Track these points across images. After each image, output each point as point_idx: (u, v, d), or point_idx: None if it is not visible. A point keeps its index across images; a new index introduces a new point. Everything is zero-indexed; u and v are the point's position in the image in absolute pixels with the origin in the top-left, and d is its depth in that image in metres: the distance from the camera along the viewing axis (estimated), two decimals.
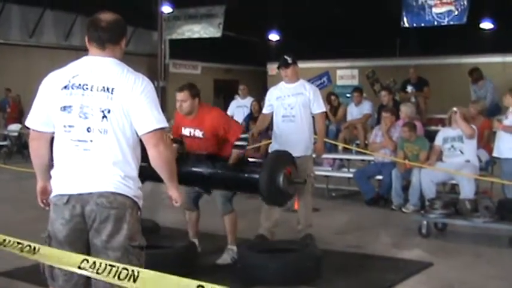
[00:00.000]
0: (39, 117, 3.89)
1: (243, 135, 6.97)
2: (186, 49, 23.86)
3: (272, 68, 19.38)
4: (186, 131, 6.98)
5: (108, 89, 3.72)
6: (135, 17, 23.29)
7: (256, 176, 6.55)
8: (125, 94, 3.73)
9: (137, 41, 26.23)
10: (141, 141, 3.87)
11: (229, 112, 12.80)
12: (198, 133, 6.89)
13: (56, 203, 3.82)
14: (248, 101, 14.56)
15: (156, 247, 6.48)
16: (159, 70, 18.88)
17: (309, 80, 17.80)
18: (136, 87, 3.76)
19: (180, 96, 6.83)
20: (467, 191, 9.35)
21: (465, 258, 7.51)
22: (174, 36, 22.40)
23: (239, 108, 14.73)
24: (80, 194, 3.72)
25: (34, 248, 3.38)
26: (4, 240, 3.44)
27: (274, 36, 24.57)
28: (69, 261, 3.32)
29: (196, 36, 21.74)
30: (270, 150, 8.11)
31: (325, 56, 23.05)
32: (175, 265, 6.27)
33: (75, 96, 3.74)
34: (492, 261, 7.41)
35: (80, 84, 3.75)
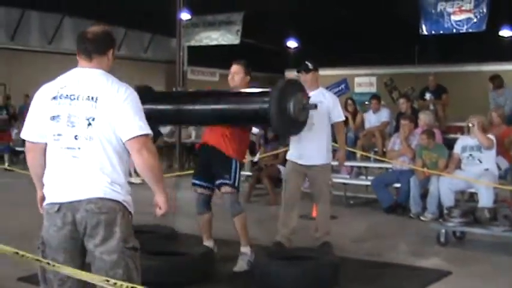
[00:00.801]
0: (33, 129, 4.02)
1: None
2: (204, 56, 23.91)
3: (290, 75, 19.38)
4: None
5: (92, 98, 3.85)
6: (154, 24, 23.45)
7: (266, 105, 6.34)
8: (108, 102, 3.84)
9: (155, 47, 26.35)
10: None
11: None
12: None
13: (48, 211, 3.92)
14: None
15: (174, 254, 6.50)
16: (177, 77, 18.87)
17: (327, 88, 17.85)
18: (119, 95, 3.88)
19: (234, 68, 7.19)
20: (485, 200, 9.29)
21: (483, 267, 7.46)
22: (193, 43, 22.41)
23: None
24: (70, 202, 3.83)
25: (53, 266, 3.46)
26: (23, 255, 3.51)
27: (292, 44, 24.59)
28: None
29: (214, 43, 21.75)
30: (288, 158, 8.07)
31: (343, 63, 23.04)
32: (192, 272, 6.31)
33: (63, 106, 3.89)
34: (511, 271, 7.36)
35: (67, 95, 3.90)
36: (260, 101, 6.54)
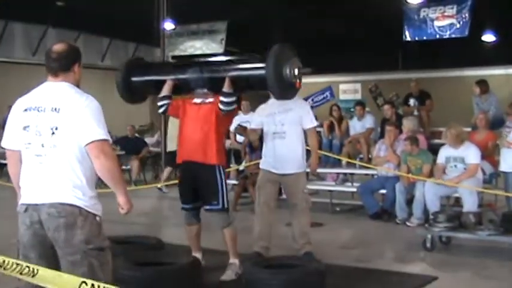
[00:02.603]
0: (10, 138, 4.36)
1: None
2: None
3: None
4: (197, 100, 7.18)
5: (55, 109, 4.15)
6: (138, 34, 23.39)
7: (263, 71, 6.60)
8: (69, 111, 4.13)
9: None
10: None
11: (232, 128, 12.78)
12: (209, 100, 7.09)
13: (19, 211, 4.26)
14: (251, 116, 14.44)
15: (160, 264, 6.48)
16: None
17: (311, 95, 17.90)
18: (79, 104, 4.16)
19: None
20: (470, 204, 9.33)
21: (470, 272, 7.49)
22: (177, 52, 22.39)
23: (242, 123, 14.72)
24: (36, 204, 4.14)
25: (33, 270, 3.51)
26: (4, 261, 3.54)
27: None
28: (67, 283, 3.46)
29: (198, 52, 21.74)
30: (261, 166, 8.00)
31: (327, 70, 23.08)
32: (179, 282, 6.29)
33: (32, 117, 4.21)
34: (497, 275, 7.39)
35: (35, 107, 4.22)
36: (257, 66, 6.80)
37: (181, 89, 7.44)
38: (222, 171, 7.03)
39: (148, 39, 22.37)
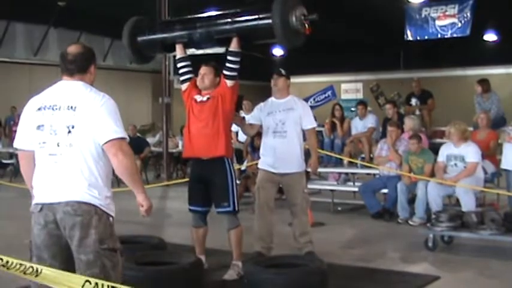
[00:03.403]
0: (22, 138, 4.36)
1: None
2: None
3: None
4: (198, 97, 7.17)
5: (72, 107, 4.16)
6: None
7: (269, 20, 6.63)
8: (86, 110, 4.14)
9: None
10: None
11: (233, 128, 12.80)
12: (206, 96, 7.10)
13: (33, 211, 4.23)
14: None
15: (163, 264, 6.48)
16: (163, 86, 18.83)
17: (313, 94, 17.90)
18: (96, 102, 4.18)
19: (204, 69, 7.20)
20: (466, 203, 9.33)
21: (472, 271, 7.49)
22: None
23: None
24: (51, 204, 4.13)
25: (37, 270, 3.52)
26: (7, 262, 3.55)
27: (278, 51, 24.62)
28: (72, 282, 3.46)
29: (200, 52, 21.78)
30: (260, 166, 7.99)
31: (329, 70, 23.08)
32: (181, 282, 6.30)
33: (46, 116, 4.21)
34: (499, 274, 7.39)
35: (50, 106, 4.22)
36: (263, 16, 6.77)
37: (189, 45, 7.52)
38: (231, 165, 7.04)
39: None
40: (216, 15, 7.29)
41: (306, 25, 6.83)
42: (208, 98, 7.06)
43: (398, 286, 7.00)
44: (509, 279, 7.22)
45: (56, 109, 4.18)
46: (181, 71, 7.40)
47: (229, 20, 7.11)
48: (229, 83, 7.02)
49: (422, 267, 7.77)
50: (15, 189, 14.29)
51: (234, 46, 6.97)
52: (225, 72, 7.00)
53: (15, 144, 4.41)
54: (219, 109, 6.96)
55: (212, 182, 7.01)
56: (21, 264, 3.53)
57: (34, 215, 4.21)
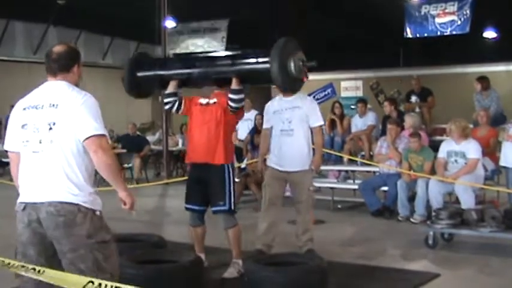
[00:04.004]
0: (11, 139, 4.41)
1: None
2: None
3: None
4: (203, 100, 7.18)
5: (54, 105, 4.22)
6: (139, 32, 23.40)
7: (267, 65, 6.65)
8: (67, 107, 4.20)
9: None
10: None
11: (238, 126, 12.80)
12: (213, 100, 7.10)
13: (17, 210, 4.30)
14: (252, 114, 14.50)
15: (163, 262, 6.48)
16: None
17: (313, 92, 17.88)
18: (77, 100, 4.22)
19: None
20: (465, 201, 9.32)
21: (472, 269, 7.49)
22: (178, 50, 22.45)
23: (243, 121, 14.62)
24: (34, 203, 4.19)
25: (39, 271, 3.55)
26: (9, 263, 3.61)
27: None
28: (74, 282, 3.46)
29: (199, 50, 21.77)
30: (267, 164, 8.00)
31: (329, 67, 23.06)
32: (182, 280, 6.29)
33: (30, 115, 4.28)
34: (499, 271, 7.40)
35: (34, 105, 4.30)
36: (262, 60, 6.80)
37: (187, 84, 7.50)
38: (231, 170, 7.05)
39: (149, 38, 22.38)
40: (217, 56, 7.29)
41: (305, 71, 6.90)
42: (214, 102, 7.09)
43: (399, 284, 7.00)
44: (510, 276, 7.22)
45: (39, 108, 4.25)
46: (168, 105, 7.33)
47: (228, 61, 7.16)
48: (234, 111, 7.05)
49: (422, 265, 7.77)
50: (15, 188, 14.28)
51: (235, 85, 6.93)
52: (229, 104, 6.96)
53: (5, 146, 4.45)
54: (222, 117, 6.99)
55: (210, 182, 7.02)
56: (23, 266, 3.58)
57: (18, 213, 4.27)
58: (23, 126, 4.28)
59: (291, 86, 7.05)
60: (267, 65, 6.64)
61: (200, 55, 7.43)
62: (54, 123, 4.17)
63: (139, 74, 7.60)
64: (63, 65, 4.38)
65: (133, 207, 4.39)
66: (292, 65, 6.67)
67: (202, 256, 7.20)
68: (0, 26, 22.52)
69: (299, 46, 6.95)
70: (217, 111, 6.99)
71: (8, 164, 19.07)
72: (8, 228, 9.31)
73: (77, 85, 4.40)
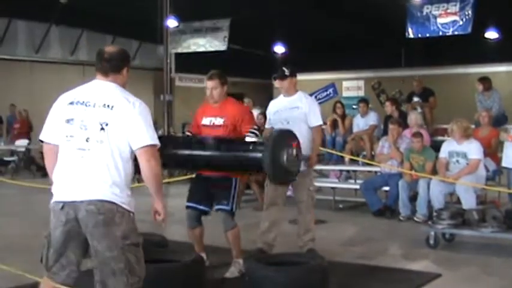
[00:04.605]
0: (50, 131, 4.40)
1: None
2: (191, 63, 23.90)
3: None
4: (206, 121, 7.14)
5: (108, 106, 4.24)
6: (141, 32, 23.40)
7: (259, 154, 6.52)
8: (123, 111, 4.23)
9: (143, 55, 26.31)
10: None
11: None
12: (219, 121, 7.03)
13: (53, 209, 4.29)
14: (254, 113, 14.53)
15: (164, 261, 6.48)
16: (165, 84, 18.84)
17: (315, 92, 17.90)
18: (135, 107, 4.27)
19: (211, 84, 7.09)
20: (467, 201, 9.32)
21: (473, 269, 7.49)
22: (180, 50, 22.46)
23: None
24: (73, 202, 4.19)
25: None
26: None
27: (280, 49, 24.60)
28: None
29: (201, 49, 21.79)
30: None
31: (331, 67, 23.06)
32: (183, 279, 6.30)
33: (77, 111, 4.27)
34: (500, 272, 7.39)
35: (83, 101, 4.29)
36: (255, 150, 6.67)
37: (185, 165, 7.42)
38: (237, 181, 7.06)
39: (151, 37, 22.43)
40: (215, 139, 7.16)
41: (299, 164, 6.85)
42: (219, 125, 7.03)
43: (400, 284, 6.99)
44: (511, 276, 7.22)
45: (89, 105, 4.25)
46: None
47: (224, 146, 7.02)
48: None
49: (423, 265, 7.77)
50: (16, 186, 14.29)
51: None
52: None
53: (42, 137, 4.44)
54: (231, 133, 6.98)
55: (216, 183, 7.04)
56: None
57: (55, 212, 4.28)
58: (68, 120, 4.27)
59: (282, 178, 6.93)
60: (260, 155, 6.50)
61: (197, 139, 7.27)
62: (106, 124, 4.20)
63: None
64: (115, 66, 4.42)
65: (165, 221, 4.55)
66: (284, 157, 6.52)
67: (204, 255, 7.20)
68: (2, 25, 22.52)
69: (294, 137, 6.83)
70: (224, 132, 6.98)
71: (9, 163, 19.21)
72: (8, 228, 9.36)
73: (124, 87, 4.44)
